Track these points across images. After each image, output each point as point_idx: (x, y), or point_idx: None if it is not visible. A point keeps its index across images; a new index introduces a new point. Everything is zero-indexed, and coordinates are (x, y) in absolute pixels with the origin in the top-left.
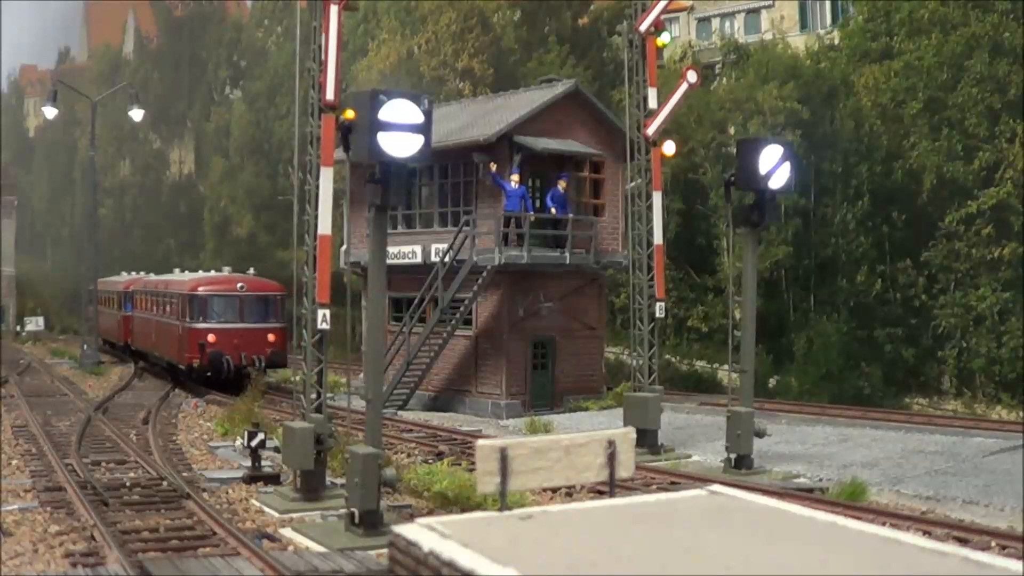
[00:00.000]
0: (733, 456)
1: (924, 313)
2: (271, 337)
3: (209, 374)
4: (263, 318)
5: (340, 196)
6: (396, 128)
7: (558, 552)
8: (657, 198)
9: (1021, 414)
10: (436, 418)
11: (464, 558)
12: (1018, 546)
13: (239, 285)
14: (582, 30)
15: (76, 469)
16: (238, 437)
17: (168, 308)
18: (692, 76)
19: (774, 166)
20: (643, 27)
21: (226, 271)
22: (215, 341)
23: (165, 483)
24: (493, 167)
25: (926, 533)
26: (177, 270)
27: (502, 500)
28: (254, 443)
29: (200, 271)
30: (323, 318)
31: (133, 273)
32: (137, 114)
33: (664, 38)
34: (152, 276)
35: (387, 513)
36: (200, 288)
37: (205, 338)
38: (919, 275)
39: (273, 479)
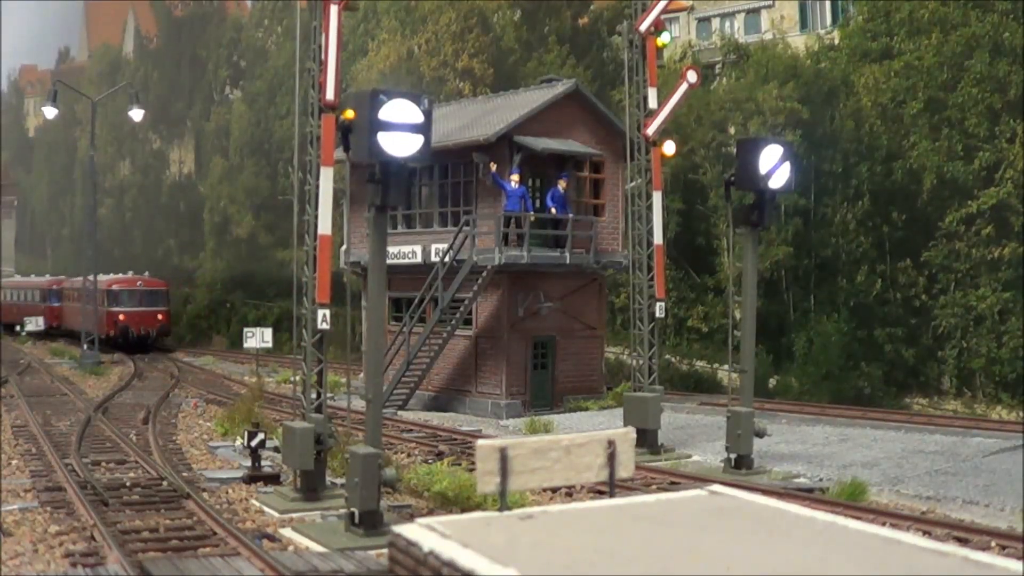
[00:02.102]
0: (733, 456)
1: (924, 313)
2: (160, 316)
3: (120, 340)
4: (154, 304)
5: (340, 196)
6: (396, 128)
7: (558, 552)
8: (657, 198)
9: (1021, 414)
10: (436, 418)
11: (464, 558)
12: (1018, 546)
13: (138, 283)
14: (582, 30)
15: (76, 469)
16: (238, 437)
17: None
18: (692, 76)
19: (774, 166)
20: (643, 27)
21: (130, 273)
22: (124, 319)
23: (165, 483)
24: (493, 167)
25: (926, 533)
26: (101, 274)
27: (502, 500)
28: (254, 443)
29: (115, 274)
30: (323, 318)
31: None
32: (137, 114)
33: (664, 38)
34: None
35: (387, 513)
36: (114, 285)
37: (118, 317)
38: (919, 275)
39: (273, 479)
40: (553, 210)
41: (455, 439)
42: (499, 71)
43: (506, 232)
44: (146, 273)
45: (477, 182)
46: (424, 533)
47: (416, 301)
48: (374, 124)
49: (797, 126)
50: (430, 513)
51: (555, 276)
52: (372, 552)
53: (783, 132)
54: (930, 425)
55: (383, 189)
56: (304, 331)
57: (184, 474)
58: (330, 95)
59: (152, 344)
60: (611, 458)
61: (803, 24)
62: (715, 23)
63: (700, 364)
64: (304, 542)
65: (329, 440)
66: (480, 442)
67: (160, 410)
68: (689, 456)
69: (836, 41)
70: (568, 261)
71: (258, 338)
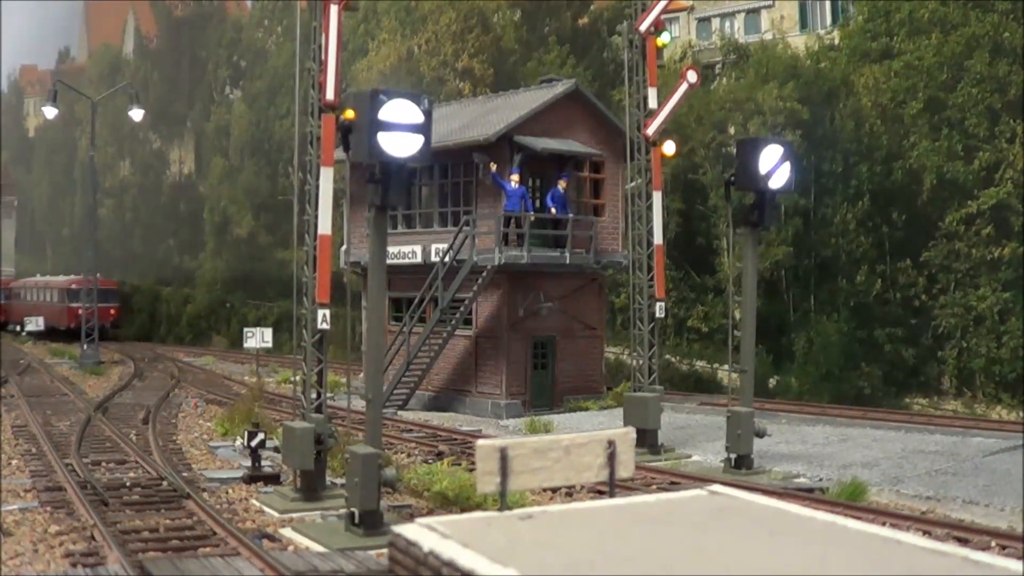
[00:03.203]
0: (733, 456)
1: (924, 313)
2: (112, 311)
3: (79, 331)
4: (107, 300)
5: (340, 196)
6: (396, 128)
7: (558, 552)
8: (657, 198)
9: (1021, 414)
10: (436, 418)
11: (464, 558)
12: (1018, 546)
13: None
14: (582, 30)
15: (76, 469)
16: (238, 437)
17: (56, 295)
18: (692, 76)
19: (774, 166)
20: (643, 27)
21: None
22: (82, 313)
23: (165, 483)
24: (493, 167)
25: (926, 533)
26: (50, 275)
27: (502, 500)
28: (254, 443)
29: (73, 275)
30: (323, 318)
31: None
32: (137, 114)
33: (664, 38)
34: (40, 277)
35: (387, 513)
36: (73, 284)
37: (77, 312)
38: (919, 275)
39: (273, 479)
40: (553, 210)
41: (455, 439)
42: (499, 71)
43: (506, 232)
44: (97, 274)
45: (477, 182)
46: (424, 533)
47: (416, 301)
48: (374, 124)
49: (797, 126)
50: (430, 513)
51: (555, 276)
52: (372, 552)
53: (783, 132)
54: (930, 425)
55: (383, 189)
56: (304, 331)
57: (184, 474)
58: (330, 95)
59: (106, 334)
60: (611, 458)
61: (803, 24)
62: (715, 23)
63: (700, 364)
64: (304, 542)
65: (329, 440)
66: (480, 442)
67: (160, 410)
68: (689, 456)
69: (836, 41)
70: (568, 261)
71: (258, 338)
